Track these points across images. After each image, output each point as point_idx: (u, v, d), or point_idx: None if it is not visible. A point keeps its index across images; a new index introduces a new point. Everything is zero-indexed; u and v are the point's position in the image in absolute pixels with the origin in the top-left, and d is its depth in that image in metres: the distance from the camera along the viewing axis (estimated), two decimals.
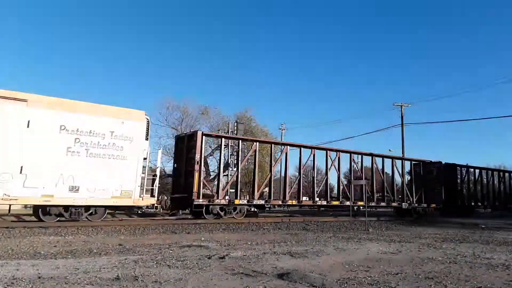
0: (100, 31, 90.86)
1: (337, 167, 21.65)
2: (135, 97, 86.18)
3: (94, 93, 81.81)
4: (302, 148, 20.87)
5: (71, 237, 10.15)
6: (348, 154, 22.57)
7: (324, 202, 21.30)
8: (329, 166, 21.11)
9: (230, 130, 27.18)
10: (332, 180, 23.06)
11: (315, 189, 20.91)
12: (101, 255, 7.19)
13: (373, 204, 22.72)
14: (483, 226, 17.15)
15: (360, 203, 21.46)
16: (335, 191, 23.57)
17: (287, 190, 19.45)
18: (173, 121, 29.19)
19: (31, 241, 9.12)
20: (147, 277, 5.20)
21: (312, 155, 21.19)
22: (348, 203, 20.97)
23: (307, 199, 22.10)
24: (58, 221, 13.25)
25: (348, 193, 22.09)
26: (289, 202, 19.78)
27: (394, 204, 23.90)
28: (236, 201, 17.62)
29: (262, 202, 18.63)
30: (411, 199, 24.40)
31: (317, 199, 20.88)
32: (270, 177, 19.18)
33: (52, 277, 5.07)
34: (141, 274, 5.35)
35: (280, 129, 46.47)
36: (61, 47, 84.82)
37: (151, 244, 8.84)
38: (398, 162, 24.85)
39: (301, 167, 20.69)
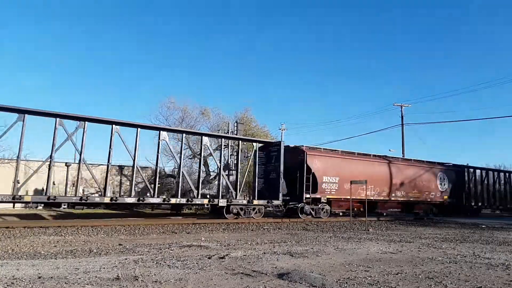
0: (99, 31, 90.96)
1: None
2: (135, 97, 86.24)
3: (94, 93, 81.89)
4: None
5: (71, 237, 10.16)
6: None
7: None
8: None
9: (230, 130, 27.11)
10: None
11: None
12: (101, 255, 7.19)
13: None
14: (483, 226, 17.18)
15: None
16: None
17: None
18: (174, 121, 29.17)
19: (31, 241, 9.13)
20: (147, 277, 5.20)
21: None
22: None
23: None
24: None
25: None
26: None
27: None
28: None
29: None
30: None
31: None
32: None
33: (52, 277, 5.07)
34: (141, 274, 5.35)
35: (280, 129, 46.54)
36: (60, 48, 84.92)
37: (151, 244, 8.85)
38: None
39: None
